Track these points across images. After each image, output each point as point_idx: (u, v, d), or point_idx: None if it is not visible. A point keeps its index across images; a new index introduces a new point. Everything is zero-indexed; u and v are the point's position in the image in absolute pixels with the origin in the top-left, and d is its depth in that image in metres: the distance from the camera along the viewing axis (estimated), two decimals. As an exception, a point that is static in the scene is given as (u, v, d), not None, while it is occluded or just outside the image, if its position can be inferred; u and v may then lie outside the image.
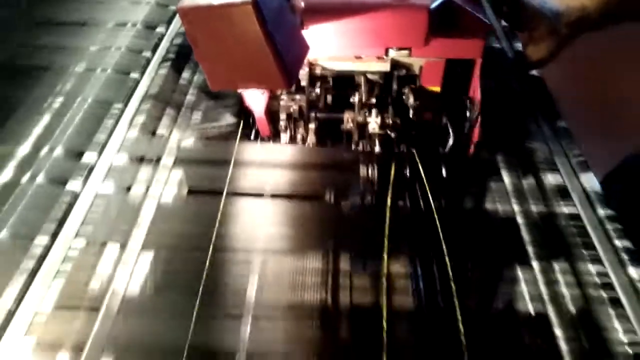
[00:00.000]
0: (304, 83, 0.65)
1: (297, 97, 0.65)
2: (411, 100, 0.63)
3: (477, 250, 0.56)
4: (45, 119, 0.70)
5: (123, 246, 0.56)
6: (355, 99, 0.64)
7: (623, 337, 0.48)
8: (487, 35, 0.61)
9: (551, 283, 0.53)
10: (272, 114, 0.67)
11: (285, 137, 0.68)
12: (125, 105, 0.72)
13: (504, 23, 0.86)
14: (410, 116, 0.64)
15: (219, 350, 0.48)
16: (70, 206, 0.59)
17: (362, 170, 0.64)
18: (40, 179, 0.62)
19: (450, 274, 0.53)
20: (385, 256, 0.54)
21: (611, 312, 0.50)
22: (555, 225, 0.58)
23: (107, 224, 0.58)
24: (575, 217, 0.59)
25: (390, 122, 0.64)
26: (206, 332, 0.49)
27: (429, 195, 0.61)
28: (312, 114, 0.66)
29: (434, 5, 0.58)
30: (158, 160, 0.65)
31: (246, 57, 0.50)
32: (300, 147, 0.68)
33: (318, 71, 0.64)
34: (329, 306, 0.52)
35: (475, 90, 0.64)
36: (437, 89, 0.65)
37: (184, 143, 0.68)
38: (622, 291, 0.51)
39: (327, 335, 0.50)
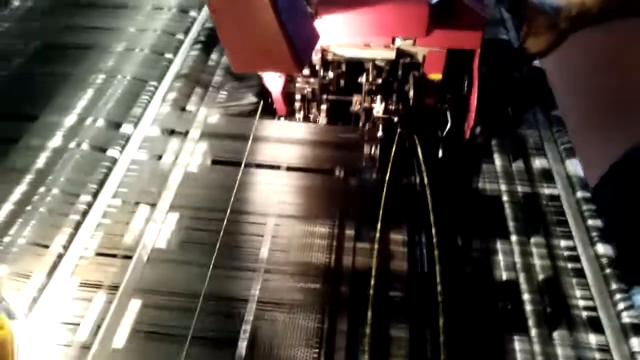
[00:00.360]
0: (317, 68, 0.72)
1: (311, 80, 0.72)
2: (412, 92, 0.69)
3: (463, 223, 0.63)
4: (89, 93, 0.79)
5: (153, 206, 0.64)
6: (363, 82, 0.71)
7: (581, 303, 0.55)
8: (485, 27, 0.66)
9: (525, 254, 0.59)
10: (288, 95, 0.74)
11: (299, 116, 0.75)
12: (159, 83, 0.81)
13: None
14: (411, 104, 0.70)
15: (233, 296, 0.56)
16: (109, 170, 0.68)
17: (366, 149, 0.71)
18: (84, 145, 0.71)
19: (435, 242, 0.60)
20: (379, 225, 0.62)
21: (574, 281, 0.56)
22: (537, 204, 0.65)
23: (140, 186, 0.67)
24: (555, 197, 0.65)
25: (393, 107, 0.71)
26: (222, 281, 0.57)
27: (424, 173, 0.67)
28: (324, 96, 0.74)
29: (435, -1, 0.64)
30: (186, 133, 0.74)
31: (262, 43, 0.57)
32: (313, 125, 0.75)
33: (330, 57, 0.71)
34: (332, 265, 0.59)
35: (474, 79, 0.69)
36: (439, 76, 0.71)
37: (210, 119, 0.76)
38: (587, 264, 0.58)
39: (328, 290, 0.57)
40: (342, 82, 0.73)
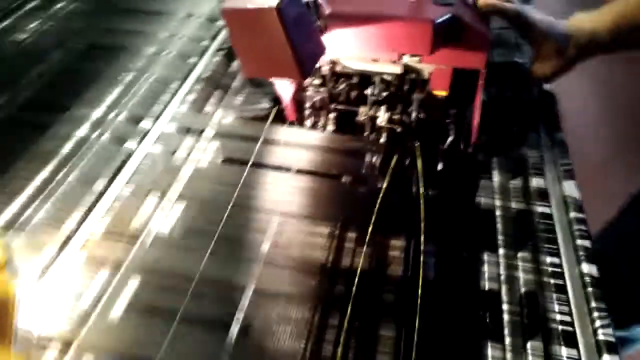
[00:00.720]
0: (327, 78, 0.75)
1: (321, 89, 0.76)
2: (415, 105, 0.72)
3: (452, 234, 0.65)
4: (118, 89, 0.86)
5: (162, 196, 0.69)
6: (369, 94, 0.74)
7: (558, 317, 0.56)
8: (489, 48, 0.69)
9: (510, 267, 0.61)
10: (298, 102, 0.78)
11: (308, 123, 0.79)
12: (181, 84, 0.86)
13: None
14: (413, 117, 0.73)
15: (230, 283, 0.60)
16: (125, 160, 0.73)
17: (368, 157, 0.74)
18: (105, 137, 0.77)
19: (422, 249, 0.62)
20: (370, 229, 0.64)
21: (554, 296, 0.58)
22: (529, 221, 0.66)
23: (152, 177, 0.71)
24: (548, 216, 0.66)
25: (397, 118, 0.73)
26: (221, 268, 0.61)
27: (421, 184, 0.70)
28: (333, 106, 0.77)
29: (440, 19, 0.66)
30: (201, 132, 0.78)
31: (270, 51, 0.61)
32: (320, 133, 0.79)
33: (339, 69, 0.75)
34: (329, 264, 0.62)
35: (478, 97, 0.72)
36: (444, 93, 0.73)
37: (224, 120, 0.81)
38: (570, 281, 0.59)
39: (323, 286, 0.60)
40: (352, 94, 0.76)
